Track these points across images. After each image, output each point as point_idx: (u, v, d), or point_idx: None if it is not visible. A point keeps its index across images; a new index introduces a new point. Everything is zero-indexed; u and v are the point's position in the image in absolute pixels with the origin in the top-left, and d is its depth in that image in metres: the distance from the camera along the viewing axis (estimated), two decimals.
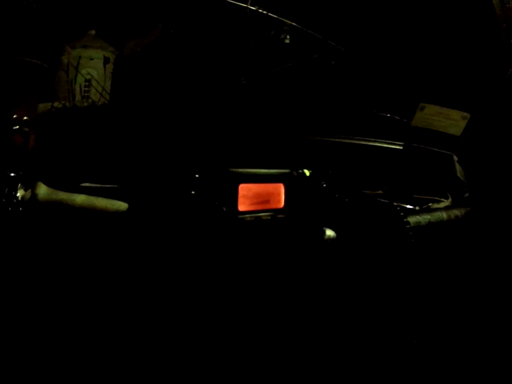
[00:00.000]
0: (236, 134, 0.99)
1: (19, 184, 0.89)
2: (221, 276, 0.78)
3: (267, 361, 0.84)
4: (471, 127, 1.37)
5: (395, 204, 0.99)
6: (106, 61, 2.06)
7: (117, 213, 0.83)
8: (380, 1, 1.45)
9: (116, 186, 0.94)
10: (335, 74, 1.37)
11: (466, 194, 1.27)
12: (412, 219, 1.02)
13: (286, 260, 0.83)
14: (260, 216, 0.82)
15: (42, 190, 0.87)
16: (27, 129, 0.97)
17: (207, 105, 1.08)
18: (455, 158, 1.38)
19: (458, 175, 1.32)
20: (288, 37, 1.41)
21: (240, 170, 0.80)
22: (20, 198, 0.86)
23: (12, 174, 0.90)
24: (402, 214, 0.95)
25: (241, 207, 0.79)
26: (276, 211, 0.83)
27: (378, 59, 1.43)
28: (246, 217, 0.80)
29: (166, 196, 0.79)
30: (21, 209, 0.85)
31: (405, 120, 1.42)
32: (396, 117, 1.41)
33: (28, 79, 1.04)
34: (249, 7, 1.72)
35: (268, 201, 0.82)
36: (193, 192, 0.77)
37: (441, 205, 1.23)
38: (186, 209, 0.76)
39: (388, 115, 1.39)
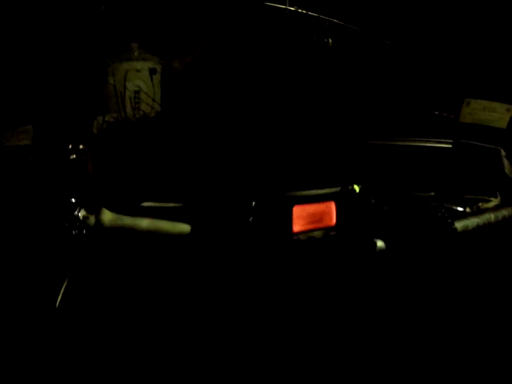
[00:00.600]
0: (287, 158, 1.03)
1: (81, 209, 0.95)
2: (279, 293, 0.84)
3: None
4: None
5: (443, 208, 1.00)
6: (153, 71, 2.12)
7: (180, 236, 0.89)
8: None
9: (177, 205, 0.99)
10: (379, 74, 1.38)
11: None
12: (460, 224, 1.03)
13: (339, 273, 0.88)
14: (313, 235, 0.86)
15: (107, 216, 0.92)
16: (84, 157, 1.05)
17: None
18: (503, 153, 1.36)
19: (506, 171, 1.31)
20: (330, 40, 1.43)
21: (293, 193, 0.85)
22: (82, 220, 0.92)
23: (73, 200, 0.97)
24: (449, 220, 0.97)
25: (295, 228, 0.85)
26: (328, 229, 0.88)
27: (422, 55, 1.43)
28: (300, 237, 0.84)
29: (226, 222, 0.85)
30: (85, 233, 0.92)
31: (453, 116, 1.42)
32: (444, 114, 1.41)
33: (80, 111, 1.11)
34: (289, 7, 1.74)
35: (320, 220, 0.87)
36: (250, 219, 0.82)
37: (490, 204, 1.22)
38: (244, 235, 0.82)
39: (436, 112, 1.39)
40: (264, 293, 0.82)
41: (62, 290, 0.88)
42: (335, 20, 1.59)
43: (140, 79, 2.11)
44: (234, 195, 0.85)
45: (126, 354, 0.89)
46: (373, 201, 0.88)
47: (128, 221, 0.90)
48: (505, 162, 1.35)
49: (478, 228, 1.07)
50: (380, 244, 0.92)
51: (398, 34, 1.45)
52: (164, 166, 1.16)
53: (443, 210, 0.98)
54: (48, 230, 0.94)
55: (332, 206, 0.88)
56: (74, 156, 1.03)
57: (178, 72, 1.78)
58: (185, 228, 0.87)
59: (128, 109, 1.97)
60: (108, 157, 1.15)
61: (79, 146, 1.05)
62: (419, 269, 0.96)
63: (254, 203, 0.82)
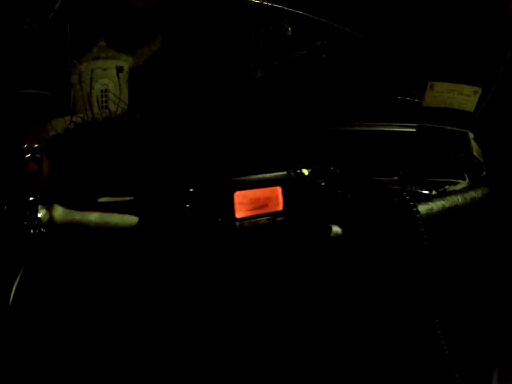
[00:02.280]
0: (226, 142, 1.00)
1: (39, 206, 0.93)
2: (223, 281, 0.80)
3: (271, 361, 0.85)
4: (484, 102, 1.33)
5: (405, 191, 0.96)
6: (120, 69, 2.09)
7: (127, 228, 0.85)
8: None
9: (130, 198, 0.97)
10: (337, 60, 1.36)
11: (484, 174, 1.23)
12: (423, 207, 1.00)
13: (290, 260, 0.84)
14: (257, 221, 0.82)
15: (58, 212, 0.90)
16: (39, 156, 1.02)
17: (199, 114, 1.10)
18: (471, 135, 1.34)
19: (474, 153, 1.28)
20: (289, 29, 1.40)
21: (234, 178, 0.81)
22: (40, 220, 0.89)
23: (31, 198, 0.94)
24: (411, 202, 0.93)
25: (238, 214, 0.81)
26: (275, 214, 0.83)
27: (383, 39, 1.40)
28: (244, 223, 0.81)
29: (165, 210, 0.81)
30: (41, 230, 0.89)
31: (416, 100, 1.39)
32: (407, 98, 1.38)
33: (33, 110, 1.08)
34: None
35: (266, 206, 0.83)
36: (187, 206, 0.78)
37: (458, 187, 1.20)
38: (183, 221, 0.78)
39: (399, 97, 1.37)
40: (208, 282, 0.77)
41: (15, 287, 0.84)
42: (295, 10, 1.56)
43: (107, 78, 2.09)
44: (173, 183, 0.81)
45: (80, 349, 0.85)
46: (323, 184, 0.84)
47: (78, 216, 0.88)
48: (474, 144, 1.32)
49: (445, 211, 1.03)
50: (335, 229, 0.87)
51: (362, 18, 1.42)
52: (118, 162, 1.14)
53: (404, 193, 0.93)
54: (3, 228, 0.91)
55: (278, 191, 0.84)
56: (29, 155, 1.00)
57: (138, 67, 1.75)
58: (133, 220, 0.84)
59: (95, 108, 1.94)
60: (64, 155, 1.13)
61: (33, 145, 1.02)
62: (380, 255, 0.92)
63: (191, 190, 0.77)
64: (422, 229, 0.94)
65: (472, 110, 1.34)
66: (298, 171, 0.86)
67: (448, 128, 1.33)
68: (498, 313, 1.09)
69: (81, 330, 0.87)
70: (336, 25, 1.39)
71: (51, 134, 1.52)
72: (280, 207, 0.84)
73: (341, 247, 0.89)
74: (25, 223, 0.90)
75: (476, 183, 1.22)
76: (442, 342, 0.91)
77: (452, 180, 1.22)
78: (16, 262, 0.92)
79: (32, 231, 0.90)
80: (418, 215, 0.95)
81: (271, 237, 0.84)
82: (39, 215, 0.90)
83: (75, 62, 1.95)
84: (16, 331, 0.87)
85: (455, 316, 1.02)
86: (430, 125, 1.31)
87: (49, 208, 0.91)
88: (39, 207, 0.92)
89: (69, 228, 0.88)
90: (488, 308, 1.09)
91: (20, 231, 0.90)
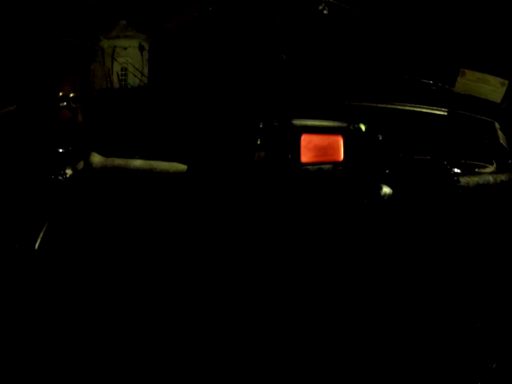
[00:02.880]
0: (297, 88, 1.01)
1: (69, 155, 0.91)
2: (285, 223, 0.81)
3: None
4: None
5: (447, 165, 0.99)
6: (141, 48, 2.08)
7: (177, 174, 0.84)
8: None
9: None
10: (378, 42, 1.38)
11: (510, 161, 1.28)
12: (462, 180, 1.03)
13: (345, 212, 0.85)
14: (321, 168, 0.84)
15: (97, 158, 0.90)
16: (74, 105, 1.01)
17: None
18: (497, 125, 1.37)
19: (501, 141, 1.31)
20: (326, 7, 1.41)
21: (302, 121, 0.82)
22: (70, 165, 0.87)
23: (61, 150, 0.93)
24: (454, 174, 0.96)
25: (303, 158, 0.82)
26: (336, 164, 0.85)
27: (419, 26, 1.44)
28: (309, 168, 0.82)
29: (231, 146, 0.81)
30: (72, 177, 0.87)
31: (447, 86, 1.42)
32: (439, 84, 1.41)
33: (71, 59, 1.07)
34: None
35: (328, 153, 0.84)
36: (258, 142, 0.78)
37: (487, 170, 1.24)
38: (251, 160, 0.78)
39: (431, 82, 1.39)
40: (272, 219, 0.77)
41: (41, 233, 0.82)
42: None
43: (127, 56, 2.08)
44: (242, 117, 0.80)
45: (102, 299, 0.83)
46: (380, 137, 0.86)
47: (120, 161, 0.86)
48: (500, 133, 1.36)
49: (478, 186, 1.06)
50: (386, 189, 0.90)
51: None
52: (157, 118, 1.12)
53: (447, 166, 0.96)
54: (33, 177, 0.89)
55: (340, 140, 0.87)
56: (65, 104, 0.98)
57: (170, 32, 1.74)
58: (181, 166, 0.82)
59: (116, 85, 1.93)
60: (101, 108, 1.11)
61: (69, 93, 1.00)
62: (423, 218, 0.94)
63: (261, 124, 0.77)
64: (462, 197, 0.97)
65: (499, 101, 1.37)
66: (356, 125, 0.88)
67: (476, 116, 1.36)
68: None
69: (109, 280, 0.85)
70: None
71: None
72: (341, 158, 0.89)
73: (390, 205, 0.90)
74: (53, 176, 0.89)
75: (503, 168, 1.26)
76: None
77: (481, 164, 1.26)
78: (44, 211, 0.90)
79: (60, 179, 0.88)
80: (459, 184, 0.98)
81: (332, 184, 0.85)
82: (72, 162, 0.89)
83: (96, 39, 1.95)
84: (41, 274, 0.85)
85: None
86: (460, 111, 1.34)
87: (86, 156, 0.90)
88: (72, 155, 0.91)
89: (108, 172, 0.87)
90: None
91: (48, 182, 0.89)
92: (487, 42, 1.40)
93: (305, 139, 0.82)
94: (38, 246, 0.83)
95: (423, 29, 1.41)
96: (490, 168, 1.25)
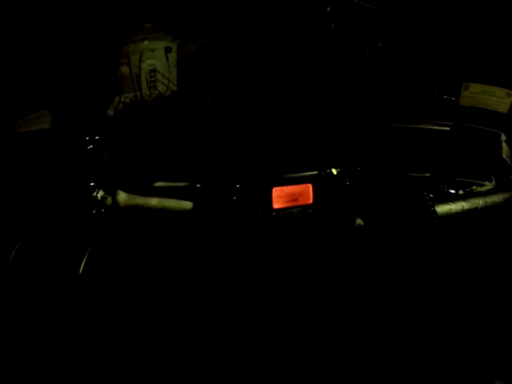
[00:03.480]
0: (269, 147, 1.13)
1: (99, 190, 1.08)
2: (261, 262, 0.94)
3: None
4: None
5: (426, 191, 1.03)
6: (168, 50, 2.15)
7: (183, 212, 1.02)
8: None
9: (185, 184, 1.11)
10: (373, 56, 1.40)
11: (511, 177, 1.27)
12: (443, 208, 1.06)
13: (317, 246, 0.97)
14: (291, 212, 1.00)
15: (122, 196, 1.06)
16: (99, 146, 1.17)
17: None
18: (503, 137, 1.36)
19: (503, 155, 1.31)
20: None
21: (274, 176, 1.00)
22: (100, 200, 1.04)
23: (92, 184, 1.10)
24: (430, 203, 1.00)
25: (275, 205, 0.99)
26: (306, 206, 1.00)
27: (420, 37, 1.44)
28: (280, 212, 0.99)
29: (217, 201, 1.00)
30: (103, 211, 1.05)
31: (454, 99, 1.42)
32: (445, 96, 1.42)
33: (93, 106, 1.22)
34: None
35: (298, 199, 1.00)
36: (234, 198, 0.98)
37: (484, 188, 1.24)
38: (231, 210, 0.98)
39: (437, 95, 1.40)
40: (248, 261, 0.98)
41: (84, 259, 1.00)
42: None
43: (155, 58, 2.15)
44: (224, 179, 1.02)
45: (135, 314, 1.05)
46: (348, 183, 0.96)
47: (140, 200, 1.05)
48: (504, 146, 1.35)
49: (464, 212, 1.08)
50: (358, 221, 0.98)
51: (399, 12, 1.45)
52: (172, 149, 1.27)
53: (425, 193, 1.01)
54: (71, 210, 1.07)
55: (309, 187, 1.00)
56: (91, 146, 1.16)
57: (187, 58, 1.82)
58: (187, 204, 1.02)
59: (144, 88, 2.02)
60: (121, 145, 1.27)
61: (95, 137, 1.17)
62: (397, 248, 1.01)
63: (238, 185, 0.99)
64: (437, 228, 1.01)
65: (506, 111, 1.36)
66: (328, 170, 0.98)
67: (481, 128, 1.36)
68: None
69: (137, 298, 1.03)
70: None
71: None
72: (311, 201, 1.01)
73: (362, 237, 0.99)
74: (86, 205, 1.06)
75: (503, 185, 1.26)
76: (446, 338, 0.99)
77: (478, 181, 1.26)
78: (81, 240, 1.08)
79: (93, 211, 1.06)
80: (435, 215, 1.02)
81: (302, 225, 1.00)
82: (100, 197, 1.06)
83: (123, 42, 2.03)
84: (84, 295, 1.04)
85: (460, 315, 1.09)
86: (464, 124, 1.35)
87: (113, 193, 1.06)
88: (101, 191, 1.08)
89: (132, 210, 1.05)
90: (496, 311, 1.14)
91: (82, 211, 1.06)
92: (489, 54, 1.38)
93: (276, 190, 0.98)
94: (82, 271, 1.02)
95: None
96: (488, 186, 1.26)
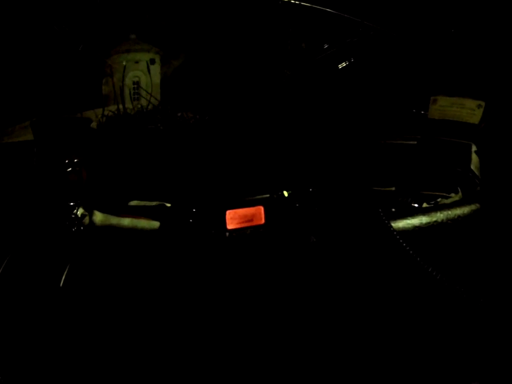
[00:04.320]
0: (224, 174, 1.20)
1: (78, 209, 1.13)
2: (216, 278, 1.06)
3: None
4: (489, 116, 1.36)
5: (381, 207, 1.05)
6: (151, 62, 2.17)
7: (152, 231, 1.09)
8: None
9: (157, 203, 1.18)
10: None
11: (478, 188, 1.27)
12: (401, 223, 1.07)
13: (270, 262, 1.08)
14: (244, 232, 1.09)
15: (98, 217, 1.12)
16: (78, 169, 1.22)
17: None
18: (474, 148, 1.37)
19: (472, 166, 1.31)
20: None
21: (227, 199, 1.08)
22: (79, 219, 1.10)
23: (72, 203, 1.14)
24: (385, 219, 1.02)
25: (229, 226, 1.07)
26: (258, 227, 1.09)
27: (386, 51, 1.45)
28: (233, 233, 1.08)
29: (177, 222, 1.08)
30: (81, 230, 1.09)
31: (422, 112, 1.43)
32: (414, 110, 1.43)
33: (74, 130, 1.27)
34: None
35: (251, 220, 1.08)
36: (191, 221, 1.06)
37: (449, 200, 1.25)
38: (188, 232, 1.07)
39: (404, 109, 1.41)
40: (205, 279, 1.07)
41: (64, 274, 1.08)
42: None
43: (138, 70, 2.17)
44: (183, 201, 1.11)
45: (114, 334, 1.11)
46: (297, 205, 1.00)
47: (114, 220, 1.10)
48: (474, 157, 1.36)
49: (423, 227, 1.10)
50: (312, 238, 1.02)
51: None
52: (145, 169, 1.32)
53: (380, 210, 1.03)
54: (52, 228, 1.13)
55: (261, 209, 1.09)
56: (70, 169, 1.21)
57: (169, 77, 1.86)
58: (156, 224, 1.09)
59: (127, 101, 2.04)
60: (100, 164, 1.32)
61: (74, 160, 1.23)
62: (352, 270, 1.04)
63: (194, 210, 1.07)
64: (397, 238, 1.03)
65: (477, 122, 1.37)
66: (279, 193, 1.02)
67: (450, 140, 1.37)
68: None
69: (114, 315, 1.08)
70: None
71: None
72: (263, 221, 1.09)
73: (314, 254, 1.03)
74: (67, 223, 1.11)
75: (469, 197, 1.26)
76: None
77: (444, 194, 1.27)
78: (60, 256, 1.13)
79: (73, 229, 1.11)
80: (392, 230, 1.04)
81: (254, 244, 1.08)
82: (79, 216, 1.11)
83: (106, 54, 2.05)
84: (65, 307, 1.10)
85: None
86: (433, 137, 1.36)
87: (89, 213, 1.13)
88: (81, 210, 1.12)
89: (106, 230, 1.11)
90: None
91: (63, 230, 1.11)
92: (459, 65, 1.39)
93: (229, 213, 1.07)
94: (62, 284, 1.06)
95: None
96: (454, 198, 1.27)
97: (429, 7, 1.41)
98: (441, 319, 1.12)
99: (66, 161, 1.19)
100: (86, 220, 1.12)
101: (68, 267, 1.11)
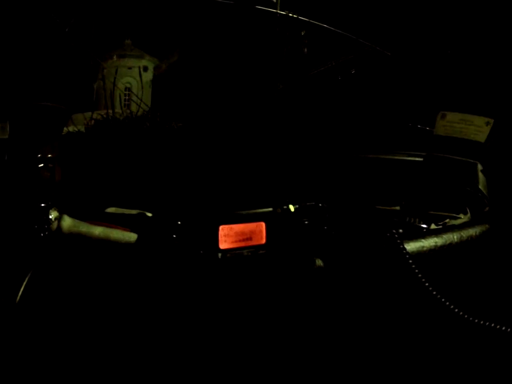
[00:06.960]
0: (214, 179, 1.05)
1: (51, 211, 1.00)
2: (203, 313, 0.84)
3: None
4: (497, 134, 1.31)
5: (395, 228, 0.97)
6: (144, 69, 2.12)
7: (127, 244, 0.91)
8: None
9: (135, 212, 1.02)
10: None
11: (487, 209, 1.22)
12: (414, 245, 0.99)
13: (269, 291, 0.88)
14: (240, 253, 0.87)
15: (67, 222, 0.96)
16: (51, 165, 1.10)
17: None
18: (480, 167, 1.32)
19: (480, 186, 1.26)
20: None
21: (221, 212, 0.85)
22: (52, 223, 0.96)
23: (43, 205, 1.02)
24: (398, 241, 0.94)
25: (222, 246, 0.86)
26: (258, 247, 0.89)
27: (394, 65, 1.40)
28: (227, 254, 0.86)
29: (156, 237, 0.88)
30: (49, 236, 0.96)
31: (428, 128, 1.38)
32: (419, 126, 1.38)
33: (48, 121, 1.15)
34: (279, 11, 1.72)
35: (249, 239, 0.87)
36: (174, 236, 0.85)
37: (458, 221, 1.19)
38: (171, 248, 0.86)
39: (410, 124, 1.36)
40: (188, 310, 0.86)
41: (23, 287, 0.92)
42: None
43: (131, 76, 2.12)
44: (166, 213, 0.90)
45: (77, 348, 0.93)
46: (306, 222, 0.87)
47: (84, 228, 0.94)
48: (481, 177, 1.31)
49: (438, 249, 1.03)
50: (318, 262, 0.90)
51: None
52: (128, 173, 1.19)
53: (393, 230, 0.94)
54: (19, 231, 1.00)
55: (262, 226, 0.89)
56: (43, 164, 1.09)
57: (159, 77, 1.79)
58: (132, 237, 0.90)
59: (118, 106, 1.98)
60: (75, 165, 1.20)
61: (47, 154, 1.10)
62: (364, 294, 0.93)
63: (179, 222, 0.85)
64: (412, 267, 0.94)
65: (483, 141, 1.32)
66: (284, 207, 0.89)
67: (457, 158, 1.32)
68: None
69: (79, 331, 0.94)
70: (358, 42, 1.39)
71: (71, 128, 1.59)
72: (263, 241, 0.89)
73: (323, 280, 0.91)
74: (36, 226, 0.98)
75: (478, 218, 1.20)
76: None
77: (452, 215, 1.21)
78: (25, 262, 0.99)
79: (42, 234, 0.98)
80: (406, 254, 0.96)
81: (253, 268, 0.88)
82: (53, 220, 0.98)
83: (100, 58, 2.00)
84: (20, 328, 0.95)
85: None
86: (438, 155, 1.30)
87: (59, 218, 0.98)
88: (54, 213, 1.00)
89: (74, 238, 0.94)
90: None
91: (31, 233, 0.98)
92: (467, 81, 1.34)
93: (223, 229, 0.85)
94: (19, 299, 0.93)
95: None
96: (463, 219, 1.21)
97: (439, 23, 1.37)
98: (453, 349, 1.04)
99: (39, 155, 1.08)
100: (54, 224, 0.96)
101: (27, 278, 0.98)
